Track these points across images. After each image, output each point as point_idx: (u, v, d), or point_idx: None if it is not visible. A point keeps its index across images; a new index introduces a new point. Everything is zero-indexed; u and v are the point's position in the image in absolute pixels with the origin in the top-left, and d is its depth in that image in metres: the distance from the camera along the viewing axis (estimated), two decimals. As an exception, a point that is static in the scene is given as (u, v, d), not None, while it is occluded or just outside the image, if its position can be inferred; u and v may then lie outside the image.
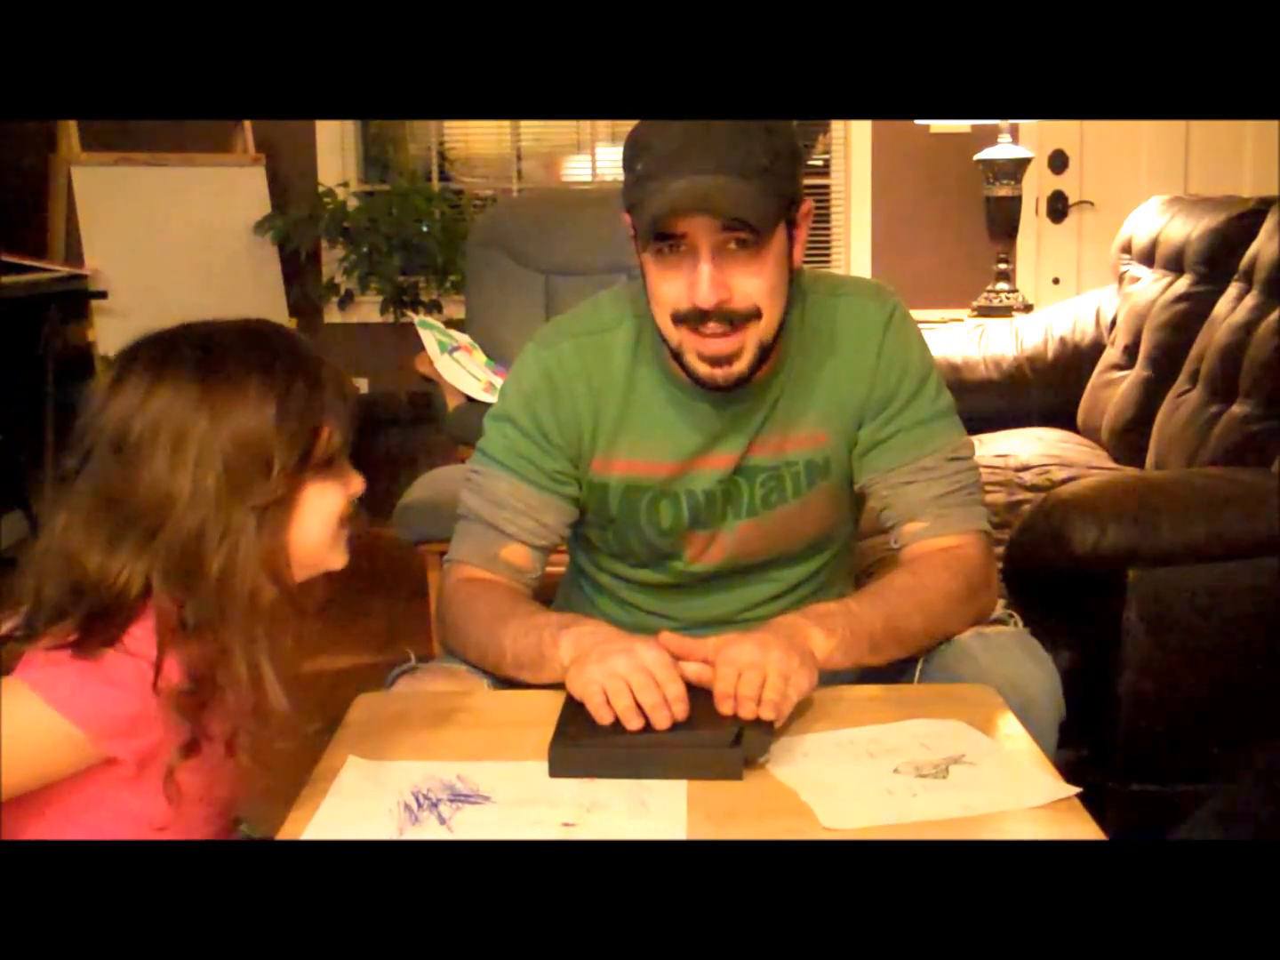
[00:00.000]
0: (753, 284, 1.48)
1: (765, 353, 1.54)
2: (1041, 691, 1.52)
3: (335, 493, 1.27)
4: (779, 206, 1.47)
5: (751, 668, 1.34)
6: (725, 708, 1.33)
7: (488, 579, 1.62)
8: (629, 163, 1.51)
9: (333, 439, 1.24)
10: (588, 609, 1.76)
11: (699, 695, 1.37)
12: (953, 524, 1.62)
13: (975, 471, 1.66)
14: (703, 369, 1.53)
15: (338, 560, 1.31)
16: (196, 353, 1.20)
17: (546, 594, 1.74)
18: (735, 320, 1.49)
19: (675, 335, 1.53)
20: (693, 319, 1.50)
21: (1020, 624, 1.63)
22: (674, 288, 1.49)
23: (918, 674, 1.56)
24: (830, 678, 1.48)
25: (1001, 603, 1.69)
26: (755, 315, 1.50)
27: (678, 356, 1.55)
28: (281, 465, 1.20)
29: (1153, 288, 3.17)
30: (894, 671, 1.56)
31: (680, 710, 1.32)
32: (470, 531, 1.65)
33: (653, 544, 1.67)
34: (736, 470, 1.62)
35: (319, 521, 1.26)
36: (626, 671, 1.33)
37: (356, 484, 1.30)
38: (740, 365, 1.52)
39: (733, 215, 1.43)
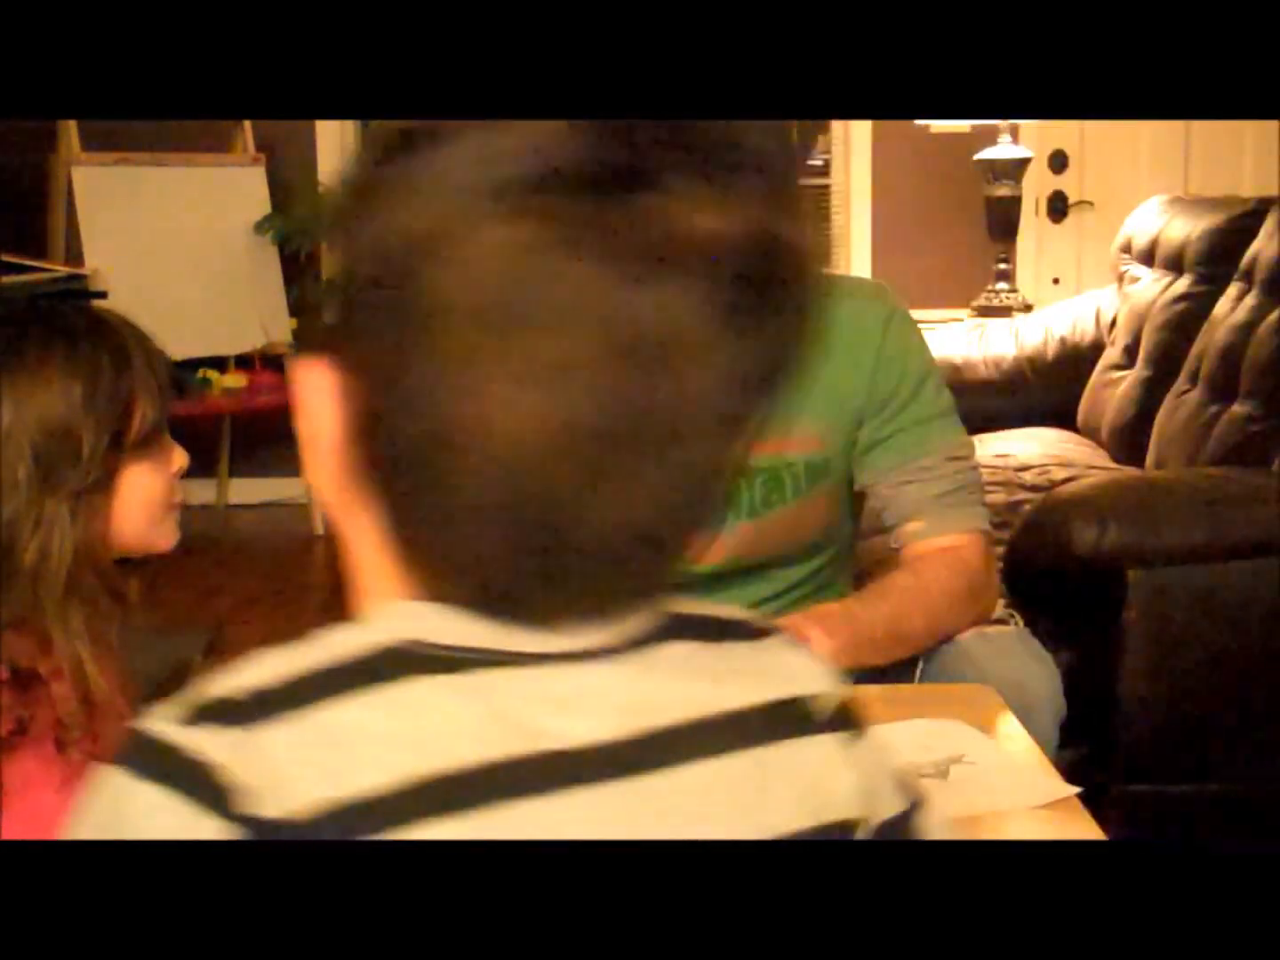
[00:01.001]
0: None
1: None
2: (1043, 691, 1.52)
3: (155, 472, 1.24)
4: None
5: None
6: None
7: None
8: None
9: (146, 417, 1.21)
10: None
11: None
12: (952, 523, 1.62)
13: (975, 471, 1.66)
14: None
15: (164, 540, 1.28)
16: None
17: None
18: None
19: None
20: None
21: (1020, 624, 1.63)
22: None
23: (918, 674, 1.56)
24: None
25: (1002, 603, 1.69)
26: None
27: None
28: (92, 449, 1.17)
29: (1153, 288, 3.17)
30: (894, 672, 1.56)
31: None
32: None
33: None
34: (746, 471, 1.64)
35: (140, 503, 1.23)
36: None
37: (179, 459, 1.27)
38: None
39: None
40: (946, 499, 1.62)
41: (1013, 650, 1.55)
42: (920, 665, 1.57)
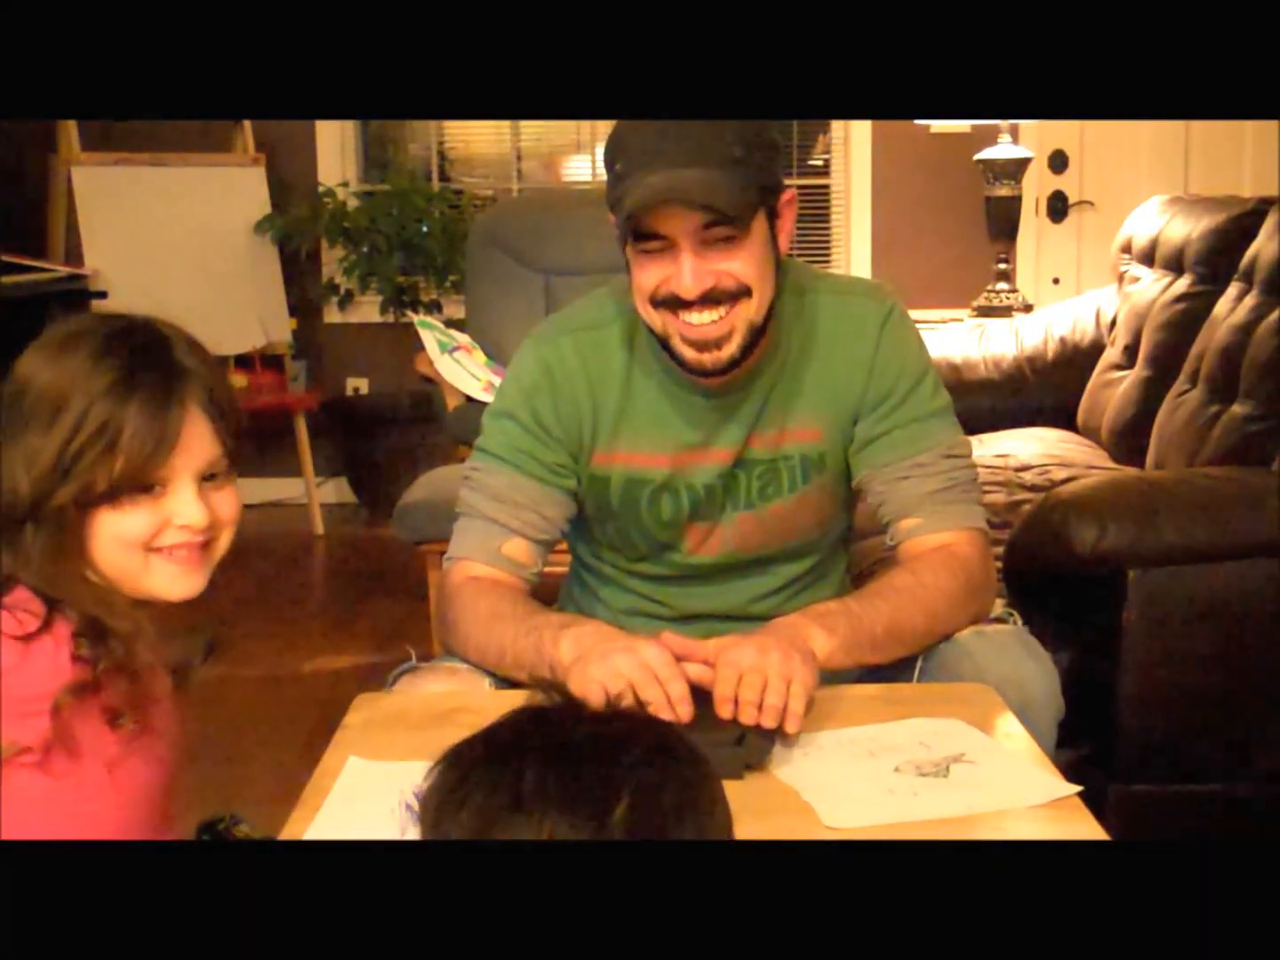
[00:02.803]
0: (737, 265, 1.49)
1: (755, 337, 1.54)
2: (1041, 690, 1.52)
3: (132, 521, 1.22)
4: (756, 195, 1.49)
5: (752, 671, 1.34)
6: (725, 711, 1.33)
7: (488, 578, 1.62)
8: (609, 163, 1.54)
9: (115, 467, 1.19)
10: (591, 600, 1.77)
11: (700, 696, 1.36)
12: (949, 520, 1.61)
13: (972, 470, 1.66)
14: (690, 354, 1.53)
15: (158, 588, 1.26)
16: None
17: (548, 595, 1.74)
18: (724, 300, 1.50)
19: (658, 320, 1.53)
20: (671, 302, 1.50)
21: (1019, 622, 1.63)
22: (653, 275, 1.50)
23: (917, 673, 1.56)
24: (830, 677, 1.48)
25: (1001, 602, 1.69)
26: (745, 293, 1.51)
27: (665, 344, 1.55)
28: (50, 493, 1.18)
29: (1153, 288, 3.17)
30: (893, 670, 1.56)
31: (684, 711, 1.32)
32: (470, 528, 1.64)
33: (653, 536, 1.67)
34: (735, 463, 1.63)
35: (110, 549, 1.22)
36: (629, 670, 1.33)
37: (182, 515, 1.24)
38: (730, 349, 1.53)
39: (706, 203, 1.45)
40: (943, 495, 1.62)
41: (1011, 649, 1.55)
42: (919, 664, 1.57)
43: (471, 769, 0.82)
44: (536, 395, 1.63)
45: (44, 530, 1.19)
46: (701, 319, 1.50)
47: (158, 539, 1.24)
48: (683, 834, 0.80)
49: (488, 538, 1.62)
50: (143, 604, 1.26)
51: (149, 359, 1.23)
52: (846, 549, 1.83)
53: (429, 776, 0.85)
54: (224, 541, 1.30)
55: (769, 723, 1.32)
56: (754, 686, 1.33)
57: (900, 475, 1.62)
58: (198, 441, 1.25)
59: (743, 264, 1.49)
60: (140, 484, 1.22)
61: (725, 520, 1.66)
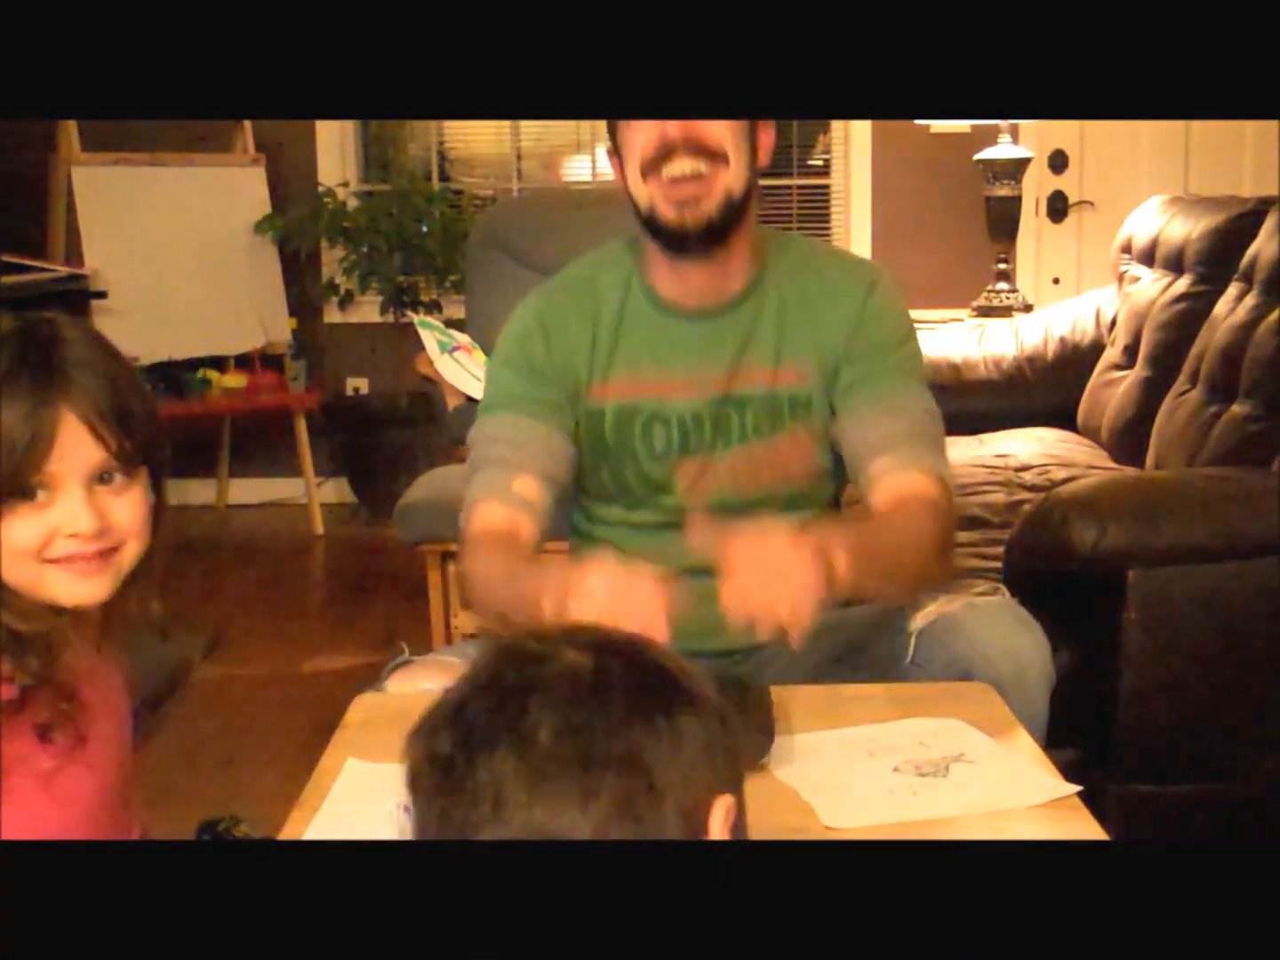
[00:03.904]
0: (719, 125, 1.58)
1: (733, 212, 1.61)
2: (1033, 657, 1.56)
3: (18, 530, 1.16)
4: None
5: (760, 567, 1.30)
6: (733, 605, 1.29)
7: (502, 528, 1.61)
8: None
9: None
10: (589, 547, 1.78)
11: None
12: (923, 461, 1.64)
13: (943, 433, 1.70)
14: (672, 215, 1.59)
15: (58, 596, 1.19)
16: None
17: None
18: (703, 154, 1.57)
19: (645, 193, 1.60)
20: (661, 157, 1.57)
21: (1007, 595, 1.67)
22: (642, 135, 1.58)
23: (911, 646, 1.59)
24: (832, 675, 1.48)
25: (990, 585, 1.73)
26: (723, 159, 1.58)
27: (650, 221, 1.62)
28: None
29: (1153, 288, 3.17)
30: (887, 642, 1.61)
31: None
32: (480, 473, 1.67)
33: (646, 475, 1.70)
34: (725, 400, 1.68)
35: (4, 558, 1.16)
36: (622, 589, 1.29)
37: (71, 523, 1.17)
38: (708, 206, 1.59)
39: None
40: (918, 439, 1.65)
41: (1002, 619, 1.59)
42: (914, 639, 1.60)
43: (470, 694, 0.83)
44: (529, 341, 1.69)
45: None
46: (683, 167, 1.57)
47: (49, 549, 1.17)
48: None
49: (498, 477, 1.65)
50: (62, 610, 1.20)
51: (26, 360, 1.17)
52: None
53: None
54: (132, 548, 1.22)
55: (788, 620, 1.28)
56: (760, 592, 1.29)
57: (878, 414, 1.66)
58: (79, 445, 1.17)
59: (723, 127, 1.58)
60: (18, 489, 1.15)
61: (717, 458, 1.69)
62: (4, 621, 1.15)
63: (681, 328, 1.68)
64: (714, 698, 0.85)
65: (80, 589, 1.19)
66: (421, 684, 1.57)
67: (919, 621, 1.61)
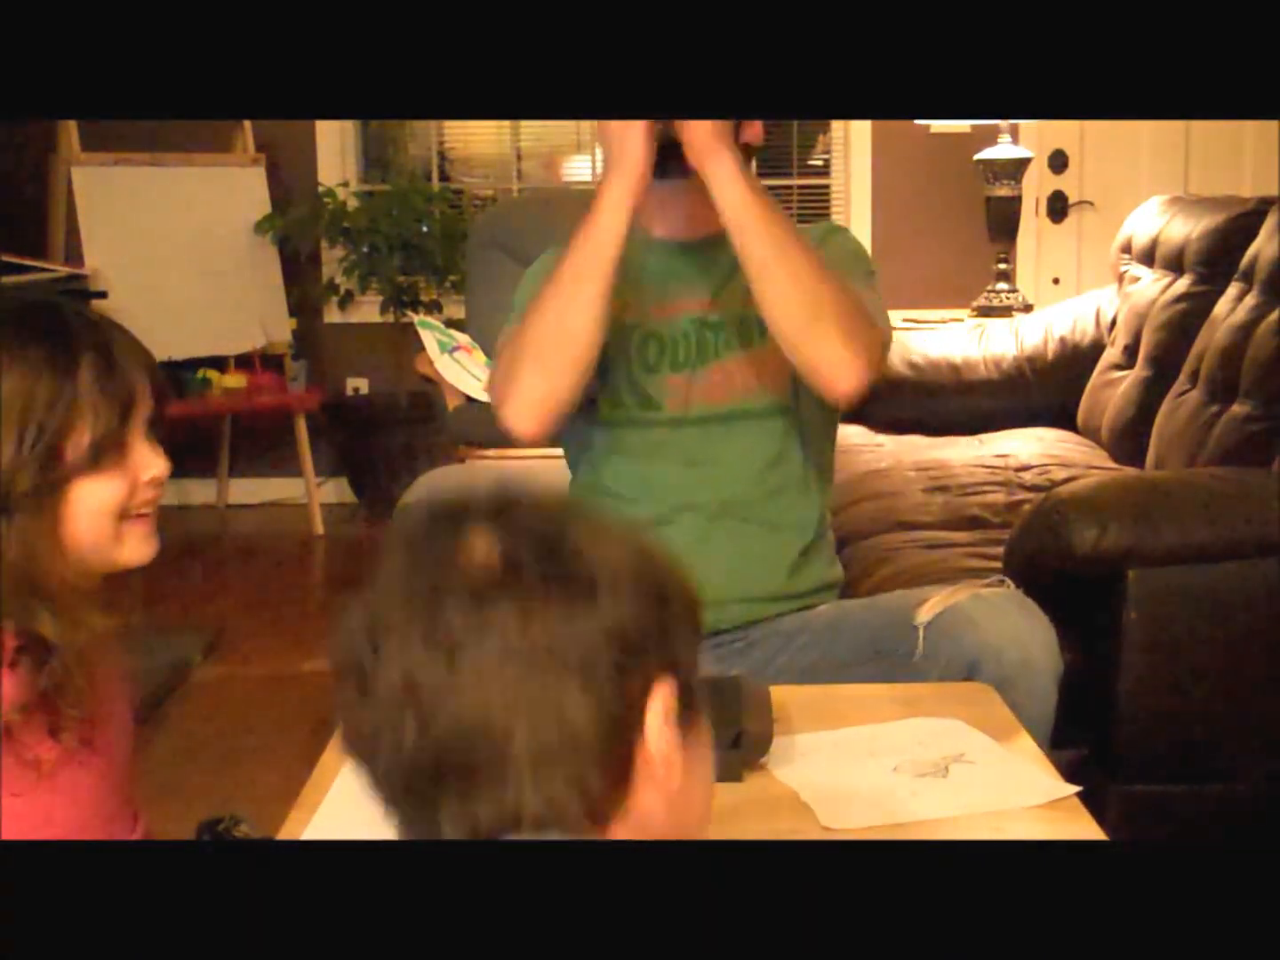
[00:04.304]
0: None
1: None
2: (1040, 646, 1.59)
3: (109, 486, 1.20)
4: None
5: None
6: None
7: None
8: None
9: (84, 438, 1.18)
10: (592, 475, 1.86)
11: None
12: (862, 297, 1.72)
13: (889, 326, 1.81)
14: (659, 127, 1.65)
15: (130, 554, 1.24)
16: None
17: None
18: None
19: None
20: None
21: (1013, 587, 1.69)
22: None
23: (920, 638, 1.61)
24: (833, 675, 1.48)
25: (996, 577, 1.75)
26: None
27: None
28: (11, 467, 1.15)
29: (1153, 288, 3.17)
30: (895, 634, 1.64)
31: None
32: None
33: (639, 386, 1.81)
34: (706, 323, 1.80)
35: (89, 519, 1.20)
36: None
37: (149, 466, 1.23)
38: None
39: None
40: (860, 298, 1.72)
41: (1009, 610, 1.62)
42: (921, 630, 1.62)
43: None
44: (545, 275, 1.76)
45: (19, 517, 1.16)
46: None
47: (132, 501, 1.23)
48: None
49: None
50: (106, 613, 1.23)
51: (84, 332, 1.21)
52: (825, 478, 1.92)
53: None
54: (158, 499, 1.28)
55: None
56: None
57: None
58: (142, 396, 1.23)
59: None
60: (112, 448, 1.20)
61: (700, 372, 1.80)
62: (46, 631, 1.17)
63: (674, 259, 1.82)
64: (637, 573, 0.82)
65: (146, 548, 1.25)
66: None
67: (925, 615, 1.63)
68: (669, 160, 1.67)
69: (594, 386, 1.78)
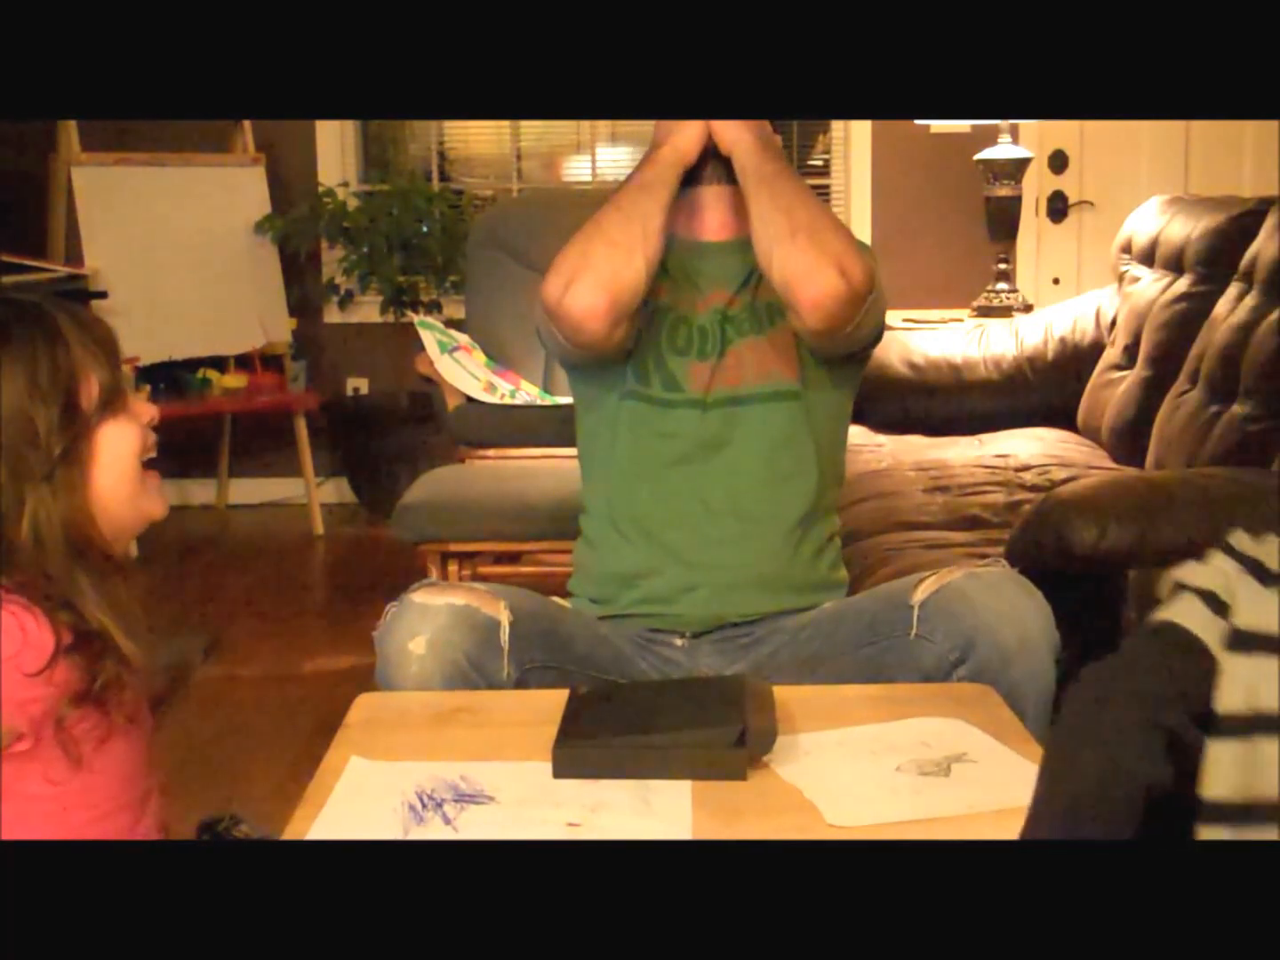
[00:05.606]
0: None
1: None
2: (1038, 624, 1.60)
3: (125, 431, 1.30)
4: None
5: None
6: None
7: None
8: None
9: (100, 382, 1.27)
10: (608, 453, 1.90)
11: (701, 693, 1.37)
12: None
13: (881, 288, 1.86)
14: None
15: (153, 507, 1.34)
16: None
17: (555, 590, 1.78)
18: None
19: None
20: None
21: (1007, 566, 1.70)
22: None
23: (915, 617, 1.62)
24: (835, 677, 1.48)
25: (991, 558, 1.76)
26: None
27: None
28: (48, 430, 1.23)
29: (1153, 288, 3.17)
30: (891, 612, 1.66)
31: None
32: None
33: (666, 366, 1.86)
34: (726, 316, 1.87)
35: (116, 465, 1.29)
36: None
37: (147, 411, 1.33)
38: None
39: None
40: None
41: (1005, 588, 1.63)
42: (916, 612, 1.63)
43: None
44: None
45: (60, 476, 1.24)
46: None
47: (144, 447, 1.31)
48: None
49: None
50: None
51: (36, 304, 1.29)
52: (836, 475, 1.94)
53: None
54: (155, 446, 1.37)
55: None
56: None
57: None
58: (118, 346, 1.32)
59: None
60: (117, 397, 1.28)
61: (718, 361, 1.85)
62: (114, 642, 1.24)
63: (705, 257, 1.90)
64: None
65: (161, 502, 1.34)
66: (446, 598, 1.60)
67: (920, 594, 1.64)
68: (704, 167, 1.84)
69: (632, 338, 1.84)
